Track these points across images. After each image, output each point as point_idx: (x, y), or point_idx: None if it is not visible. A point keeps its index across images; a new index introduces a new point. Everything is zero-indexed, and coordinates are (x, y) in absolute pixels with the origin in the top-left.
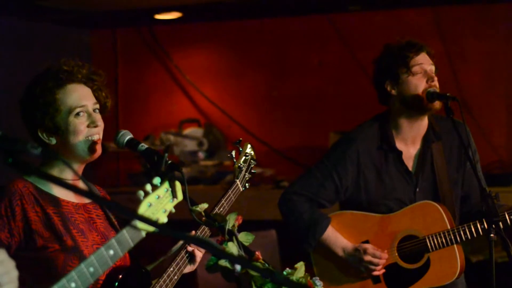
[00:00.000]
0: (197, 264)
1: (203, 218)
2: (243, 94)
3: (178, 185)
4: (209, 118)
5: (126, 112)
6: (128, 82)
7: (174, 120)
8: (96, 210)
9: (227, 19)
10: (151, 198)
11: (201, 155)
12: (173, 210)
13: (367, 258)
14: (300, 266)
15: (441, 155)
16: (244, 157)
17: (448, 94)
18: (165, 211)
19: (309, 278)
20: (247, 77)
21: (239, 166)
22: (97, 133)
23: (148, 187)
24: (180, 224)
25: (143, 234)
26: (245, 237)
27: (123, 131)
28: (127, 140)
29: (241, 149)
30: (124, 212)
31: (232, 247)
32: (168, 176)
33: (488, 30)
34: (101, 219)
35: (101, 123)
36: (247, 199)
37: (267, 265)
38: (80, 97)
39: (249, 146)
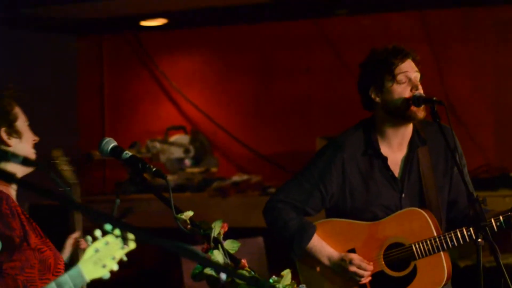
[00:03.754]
0: None
1: (188, 226)
2: (230, 100)
3: (130, 234)
4: (196, 125)
5: (112, 119)
6: (114, 89)
7: (160, 127)
8: None
9: (213, 25)
10: (99, 244)
11: (187, 162)
12: (125, 258)
13: (353, 268)
14: (287, 274)
15: (427, 160)
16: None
17: (434, 98)
18: (114, 258)
19: (295, 286)
20: (234, 83)
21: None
22: None
23: (98, 232)
24: (166, 231)
25: (87, 279)
26: (231, 245)
27: (107, 139)
28: (111, 148)
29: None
30: (100, 218)
31: (218, 255)
32: (120, 224)
33: (475, 34)
34: None
35: None
36: (234, 206)
37: (253, 272)
38: None
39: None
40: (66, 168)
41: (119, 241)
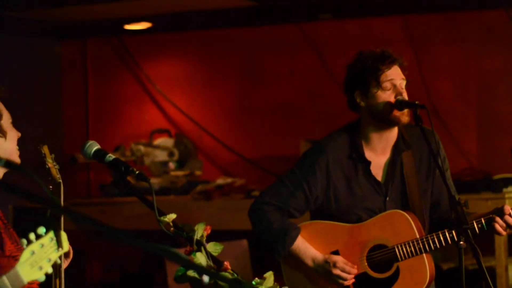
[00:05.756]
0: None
1: (171, 229)
2: (214, 104)
3: (63, 235)
4: (180, 128)
5: (96, 123)
6: (98, 92)
7: (144, 131)
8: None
9: (197, 28)
10: (35, 246)
11: (171, 165)
12: (59, 261)
13: (336, 271)
14: (269, 276)
15: (411, 164)
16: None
17: (416, 102)
18: (50, 260)
19: (278, 287)
20: (218, 87)
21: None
22: None
23: (32, 236)
24: (150, 234)
25: (25, 281)
26: (214, 247)
27: (90, 142)
28: (94, 151)
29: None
30: (84, 220)
31: (201, 258)
32: (53, 226)
33: (459, 38)
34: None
35: None
36: (219, 209)
37: (236, 275)
38: None
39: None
40: (52, 166)
41: (53, 244)
